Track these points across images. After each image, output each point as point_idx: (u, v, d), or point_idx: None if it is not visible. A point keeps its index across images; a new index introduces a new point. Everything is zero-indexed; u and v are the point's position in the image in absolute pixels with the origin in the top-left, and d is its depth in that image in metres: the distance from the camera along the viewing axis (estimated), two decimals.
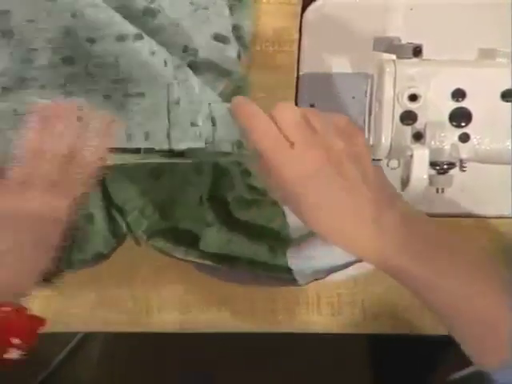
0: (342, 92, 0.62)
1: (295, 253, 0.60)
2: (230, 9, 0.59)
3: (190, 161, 0.57)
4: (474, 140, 0.57)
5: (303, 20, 0.63)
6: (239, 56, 0.60)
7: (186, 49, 0.58)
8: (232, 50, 0.59)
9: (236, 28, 0.60)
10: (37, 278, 0.49)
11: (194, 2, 0.57)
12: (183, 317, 0.65)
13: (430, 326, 0.65)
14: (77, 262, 0.62)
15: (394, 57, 0.58)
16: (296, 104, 0.63)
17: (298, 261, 0.59)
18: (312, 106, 0.62)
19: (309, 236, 0.60)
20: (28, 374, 0.98)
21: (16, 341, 0.46)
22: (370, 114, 0.61)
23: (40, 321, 0.48)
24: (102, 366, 1.01)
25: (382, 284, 0.64)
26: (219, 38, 0.59)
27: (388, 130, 0.57)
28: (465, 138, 0.57)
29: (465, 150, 0.56)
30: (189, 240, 0.62)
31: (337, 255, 0.58)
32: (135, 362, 0.99)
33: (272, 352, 0.91)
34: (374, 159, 0.62)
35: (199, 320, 0.65)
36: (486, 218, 0.64)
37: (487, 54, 0.58)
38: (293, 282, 0.60)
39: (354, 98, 0.62)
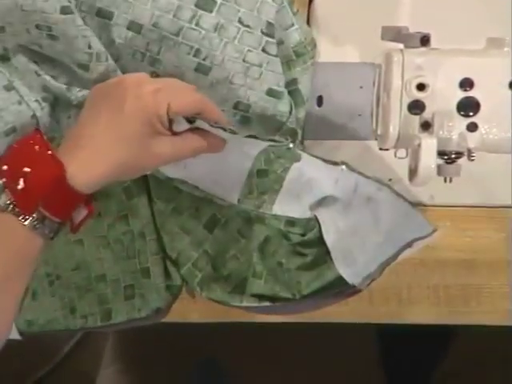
0: (350, 82, 0.62)
1: (340, 262, 0.60)
2: (287, 64, 0.59)
3: None
4: (481, 129, 0.57)
5: (311, 10, 0.63)
6: (291, 110, 0.59)
7: (237, 105, 0.58)
8: (284, 105, 0.59)
9: (293, 82, 0.60)
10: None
11: (247, 60, 0.57)
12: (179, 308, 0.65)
13: (436, 316, 0.65)
14: (138, 321, 0.62)
15: (401, 46, 0.58)
16: None
17: (344, 265, 0.60)
18: (320, 96, 0.62)
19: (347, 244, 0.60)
20: (30, 368, 0.98)
21: (27, 169, 0.45)
22: (377, 104, 0.61)
23: (60, 166, 0.46)
24: (104, 360, 1.01)
25: (389, 274, 0.64)
26: (273, 93, 0.58)
27: (396, 120, 0.57)
28: (473, 127, 0.57)
29: (473, 140, 0.56)
30: (241, 289, 0.62)
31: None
32: (138, 354, 0.99)
33: (280, 341, 0.91)
34: (381, 149, 0.62)
35: (198, 309, 0.65)
36: (493, 207, 0.64)
37: (495, 44, 0.58)
38: (349, 287, 0.60)
39: (361, 87, 0.62)
